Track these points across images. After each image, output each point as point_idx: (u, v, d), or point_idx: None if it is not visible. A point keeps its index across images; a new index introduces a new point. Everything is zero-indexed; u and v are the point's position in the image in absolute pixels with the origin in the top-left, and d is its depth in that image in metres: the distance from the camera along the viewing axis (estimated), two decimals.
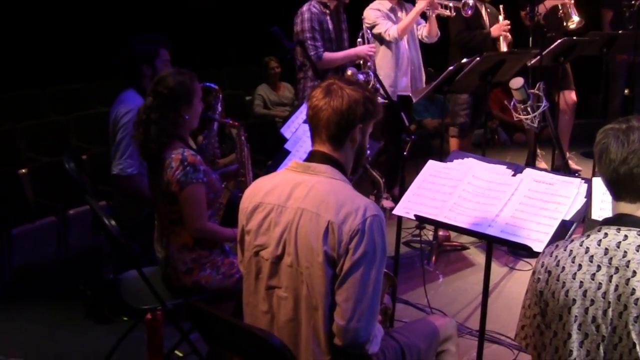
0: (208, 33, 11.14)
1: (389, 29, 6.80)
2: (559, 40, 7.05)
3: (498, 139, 10.76)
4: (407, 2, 7.08)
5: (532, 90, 5.41)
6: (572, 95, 8.04)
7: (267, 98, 10.00)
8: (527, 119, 5.45)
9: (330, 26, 6.36)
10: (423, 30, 7.06)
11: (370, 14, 6.86)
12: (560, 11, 7.52)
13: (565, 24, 7.52)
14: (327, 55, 6.46)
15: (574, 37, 7.21)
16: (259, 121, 9.27)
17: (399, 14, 6.98)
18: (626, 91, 8.98)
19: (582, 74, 8.62)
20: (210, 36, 11.18)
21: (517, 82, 5.33)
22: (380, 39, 6.93)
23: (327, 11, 6.47)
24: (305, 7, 6.51)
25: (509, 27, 7.12)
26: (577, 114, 8.27)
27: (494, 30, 7.12)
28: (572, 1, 7.52)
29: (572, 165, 8.27)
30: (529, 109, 5.44)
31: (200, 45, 10.85)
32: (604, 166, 2.64)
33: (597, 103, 9.00)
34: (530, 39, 7.23)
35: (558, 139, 6.46)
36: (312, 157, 3.12)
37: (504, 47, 7.03)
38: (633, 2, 7.82)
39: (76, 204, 6.49)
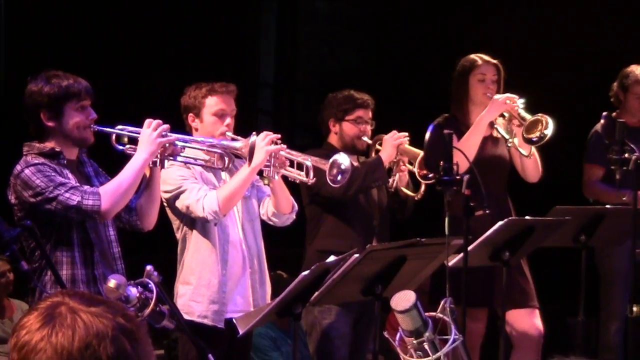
0: None
1: (202, 198, 4.83)
2: (501, 223, 4.95)
3: None
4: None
5: (432, 314, 4.25)
6: (532, 319, 5.73)
7: None
8: None
9: (74, 181, 4.62)
10: (268, 205, 5.12)
11: (170, 174, 4.86)
12: (514, 121, 5.54)
13: (530, 138, 5.51)
14: (108, 187, 4.46)
15: (527, 217, 5.12)
16: None
17: (222, 174, 5.15)
18: (633, 309, 6.33)
19: (553, 277, 7.01)
20: None
21: (401, 301, 4.09)
22: (189, 220, 4.94)
23: (63, 162, 4.67)
24: (20, 166, 4.53)
25: (407, 138, 5.44)
26: (547, 349, 6.00)
27: (385, 150, 5.39)
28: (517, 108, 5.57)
29: None
30: (426, 346, 4.11)
31: None
32: None
33: (579, 330, 6.40)
34: (447, 221, 4.82)
35: None
36: None
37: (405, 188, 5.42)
38: (626, 155, 5.54)
39: None
